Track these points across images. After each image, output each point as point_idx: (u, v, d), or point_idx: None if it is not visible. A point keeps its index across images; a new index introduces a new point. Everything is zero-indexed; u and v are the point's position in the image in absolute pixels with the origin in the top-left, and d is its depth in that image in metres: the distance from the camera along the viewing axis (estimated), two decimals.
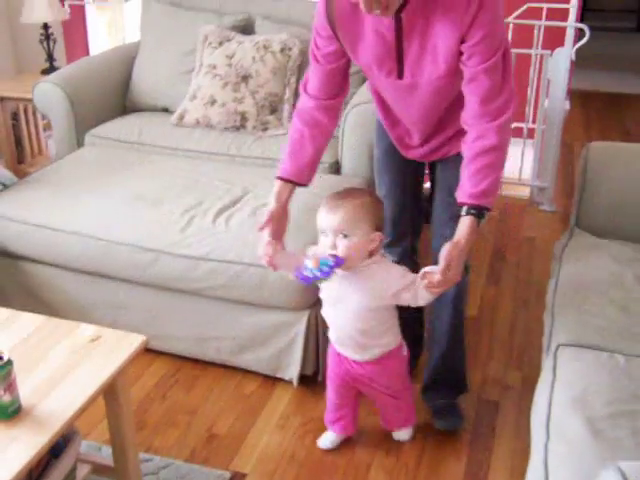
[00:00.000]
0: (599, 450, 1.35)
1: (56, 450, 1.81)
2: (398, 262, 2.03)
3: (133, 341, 1.84)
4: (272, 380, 2.44)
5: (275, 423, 2.26)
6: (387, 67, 1.84)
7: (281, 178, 1.96)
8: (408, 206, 2.20)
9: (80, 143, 3.14)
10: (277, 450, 2.16)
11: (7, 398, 1.56)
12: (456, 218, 1.81)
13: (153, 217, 2.45)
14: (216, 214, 2.45)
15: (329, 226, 1.82)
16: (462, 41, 1.72)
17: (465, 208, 1.77)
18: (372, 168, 2.34)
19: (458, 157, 1.87)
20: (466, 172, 1.78)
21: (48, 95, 3.09)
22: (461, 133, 1.85)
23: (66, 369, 1.74)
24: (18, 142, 3.95)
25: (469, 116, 1.79)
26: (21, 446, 1.50)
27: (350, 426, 2.16)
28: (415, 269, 1.90)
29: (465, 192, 1.78)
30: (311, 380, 2.39)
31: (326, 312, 2.00)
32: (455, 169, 1.86)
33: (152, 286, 2.44)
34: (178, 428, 2.25)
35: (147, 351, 2.54)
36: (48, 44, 3.86)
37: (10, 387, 1.56)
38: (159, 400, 2.37)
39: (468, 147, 1.79)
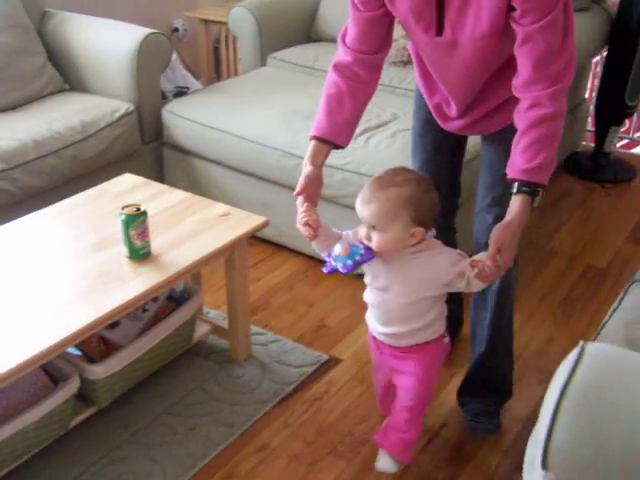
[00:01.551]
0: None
1: (179, 302, 2.16)
2: None
3: (256, 220, 2.13)
4: None
5: None
6: (426, 20, 1.60)
7: (316, 137, 1.74)
8: (444, 183, 1.98)
9: (263, 64, 3.47)
10: None
11: (139, 242, 1.90)
12: (498, 204, 1.70)
13: (304, 128, 2.68)
14: (360, 133, 2.65)
15: (362, 218, 1.64)
16: None
17: (517, 185, 1.57)
18: None
19: (501, 133, 1.72)
20: (519, 145, 1.58)
21: (240, 18, 3.45)
22: (506, 105, 1.68)
23: (195, 232, 2.06)
24: (218, 64, 4.39)
25: (522, 82, 1.57)
26: (144, 279, 1.85)
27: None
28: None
29: (517, 167, 1.58)
30: None
31: (370, 297, 1.81)
32: (498, 147, 1.73)
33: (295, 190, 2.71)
34: (295, 314, 2.53)
35: (285, 249, 2.85)
36: None
37: (143, 234, 1.90)
38: (286, 290, 2.67)
39: (521, 117, 1.58)
